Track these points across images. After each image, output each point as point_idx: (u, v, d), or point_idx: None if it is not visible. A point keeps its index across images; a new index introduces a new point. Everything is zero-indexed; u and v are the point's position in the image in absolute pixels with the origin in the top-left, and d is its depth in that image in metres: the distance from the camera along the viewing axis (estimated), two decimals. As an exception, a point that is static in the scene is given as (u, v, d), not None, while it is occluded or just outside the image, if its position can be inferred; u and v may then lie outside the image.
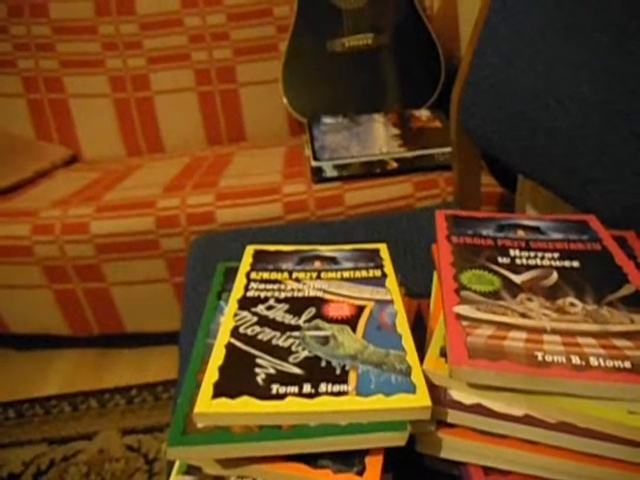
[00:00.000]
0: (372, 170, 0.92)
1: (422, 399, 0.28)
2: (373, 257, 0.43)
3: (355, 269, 0.41)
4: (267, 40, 1.24)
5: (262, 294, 0.38)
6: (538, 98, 0.54)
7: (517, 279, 0.36)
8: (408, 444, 0.29)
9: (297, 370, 0.31)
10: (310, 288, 0.39)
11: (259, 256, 0.44)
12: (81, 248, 0.92)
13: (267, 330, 0.34)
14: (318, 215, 0.90)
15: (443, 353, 0.32)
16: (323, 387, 0.29)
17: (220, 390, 0.29)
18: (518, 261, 0.38)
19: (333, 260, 0.43)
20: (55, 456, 0.91)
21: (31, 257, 0.93)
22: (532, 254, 0.38)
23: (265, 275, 0.41)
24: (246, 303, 0.37)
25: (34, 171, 1.13)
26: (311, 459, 0.28)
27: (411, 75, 1.13)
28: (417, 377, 0.30)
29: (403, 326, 0.34)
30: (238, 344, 0.33)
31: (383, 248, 0.45)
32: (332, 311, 0.36)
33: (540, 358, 0.28)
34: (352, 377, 0.30)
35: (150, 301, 0.97)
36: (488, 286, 0.35)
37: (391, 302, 0.37)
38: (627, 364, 0.28)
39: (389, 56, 1.12)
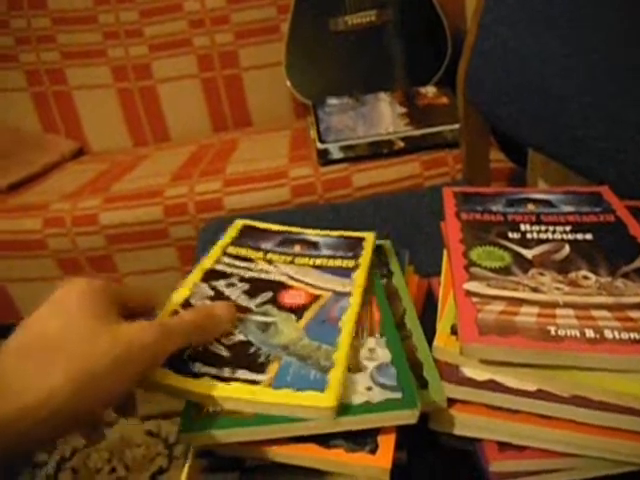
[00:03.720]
0: (379, 150, 0.90)
1: (328, 399, 0.27)
2: (355, 246, 0.42)
3: (330, 257, 0.40)
4: (268, 22, 1.22)
5: (229, 270, 0.38)
6: (547, 67, 0.52)
7: (528, 254, 0.35)
8: (422, 422, 0.29)
9: (224, 352, 0.30)
10: (277, 272, 0.38)
11: (245, 231, 0.43)
12: (92, 239, 0.93)
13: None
14: (326, 198, 0.90)
15: (454, 331, 0.31)
16: (240, 373, 0.29)
17: None
18: (529, 236, 0.37)
19: (314, 245, 0.42)
20: (77, 444, 0.94)
21: (45, 250, 0.94)
22: (543, 228, 0.38)
23: (242, 252, 0.40)
24: (210, 276, 0.37)
25: (43, 165, 1.14)
26: (323, 439, 0.28)
27: (416, 51, 1.10)
28: (335, 376, 0.29)
29: (349, 321, 0.33)
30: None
31: (369, 237, 0.43)
32: (287, 298, 0.36)
33: (553, 332, 0.28)
34: (273, 368, 0.30)
35: (163, 290, 0.98)
36: (498, 262, 0.34)
37: (348, 295, 0.36)
38: (643, 336, 0.27)
39: (393, 32, 1.10)
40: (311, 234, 0.43)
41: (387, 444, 0.28)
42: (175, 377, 0.29)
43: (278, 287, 0.36)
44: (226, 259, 0.39)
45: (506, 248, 0.36)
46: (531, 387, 0.28)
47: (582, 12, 0.48)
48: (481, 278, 0.33)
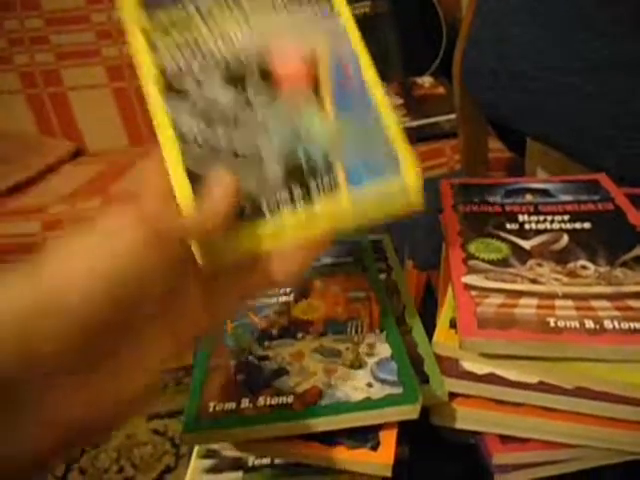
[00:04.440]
0: (376, 143, 0.90)
1: (414, 180, 0.24)
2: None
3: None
4: (262, 16, 1.21)
5: (181, 62, 0.26)
6: (544, 57, 0.52)
7: (526, 245, 0.35)
8: (424, 417, 0.29)
9: (279, 177, 0.24)
10: (238, 36, 0.26)
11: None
12: (92, 241, 0.93)
13: (218, 128, 0.24)
14: (324, 192, 0.89)
15: (453, 324, 0.31)
16: (313, 186, 0.24)
17: None
18: (527, 226, 0.37)
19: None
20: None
21: (44, 253, 0.94)
22: (541, 218, 0.37)
23: (164, 19, 0.27)
24: (169, 85, 0.25)
25: (40, 167, 1.13)
26: (325, 437, 0.28)
27: (411, 41, 1.09)
28: (405, 154, 0.25)
29: (371, 77, 0.26)
30: (197, 171, 0.23)
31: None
32: (281, 71, 0.25)
33: (552, 324, 0.28)
34: (338, 170, 0.24)
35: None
36: (496, 254, 0.34)
37: (348, 38, 0.27)
38: (643, 325, 0.27)
39: (388, 23, 1.09)
40: None
41: (389, 440, 0.28)
42: (253, 226, 0.23)
43: (257, 59, 0.26)
44: (164, 51, 0.26)
45: (504, 239, 0.35)
46: (532, 379, 0.28)
47: (579, 2, 0.48)
48: (479, 271, 0.32)
